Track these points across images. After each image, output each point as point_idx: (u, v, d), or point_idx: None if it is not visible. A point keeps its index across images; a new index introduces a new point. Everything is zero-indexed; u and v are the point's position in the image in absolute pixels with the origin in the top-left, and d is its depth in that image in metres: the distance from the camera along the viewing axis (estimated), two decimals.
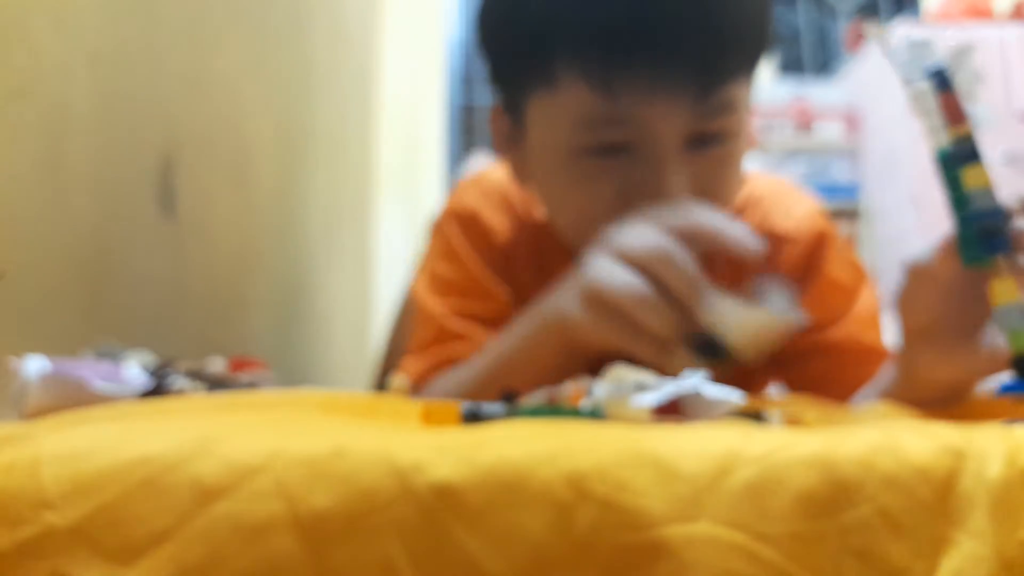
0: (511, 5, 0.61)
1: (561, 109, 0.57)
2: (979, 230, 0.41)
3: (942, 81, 0.43)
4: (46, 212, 0.56)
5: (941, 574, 0.25)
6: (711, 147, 0.58)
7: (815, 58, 3.59)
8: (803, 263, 0.69)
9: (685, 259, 0.48)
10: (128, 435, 0.30)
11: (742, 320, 0.48)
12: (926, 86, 0.43)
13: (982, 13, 2.87)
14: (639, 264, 0.48)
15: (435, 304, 0.72)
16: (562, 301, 0.53)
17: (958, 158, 0.42)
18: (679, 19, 0.55)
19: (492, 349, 0.60)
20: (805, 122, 2.85)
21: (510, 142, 0.66)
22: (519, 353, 0.57)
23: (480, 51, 0.66)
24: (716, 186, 0.59)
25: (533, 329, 0.56)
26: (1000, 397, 0.42)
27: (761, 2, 0.61)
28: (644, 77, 0.54)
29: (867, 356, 0.66)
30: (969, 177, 0.42)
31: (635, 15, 0.54)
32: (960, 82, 0.44)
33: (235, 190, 1.06)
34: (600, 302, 0.49)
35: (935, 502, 0.27)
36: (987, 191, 0.42)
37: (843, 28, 3.47)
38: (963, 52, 0.52)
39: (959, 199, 0.42)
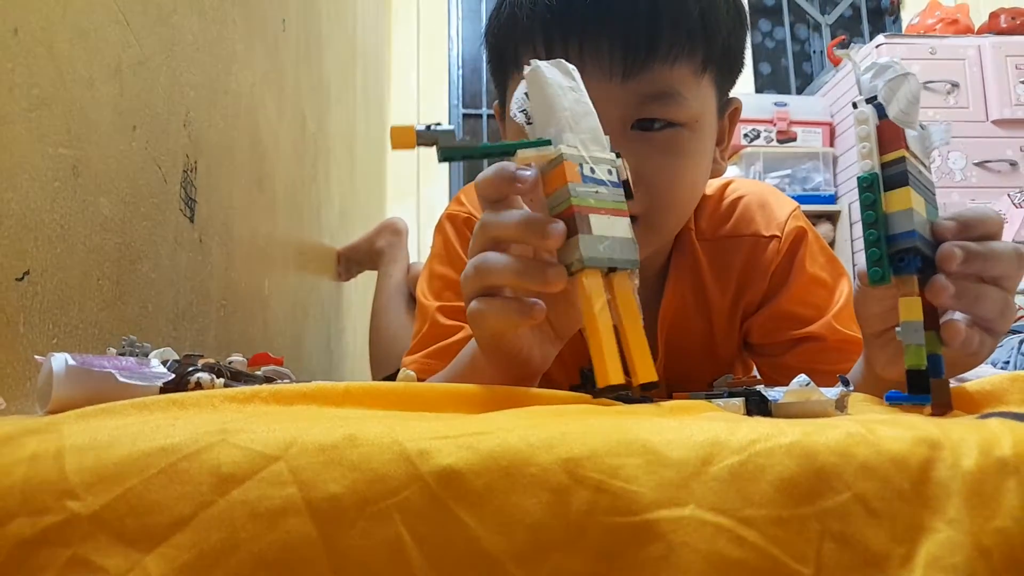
0: (495, 7, 0.65)
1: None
2: (893, 250, 0.41)
3: (880, 107, 0.42)
4: (69, 214, 0.56)
5: (919, 560, 0.25)
6: (654, 132, 0.60)
7: (799, 70, 3.59)
8: (785, 260, 0.70)
9: (493, 218, 0.44)
10: (148, 426, 0.30)
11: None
12: (869, 111, 0.42)
13: (960, 25, 2.87)
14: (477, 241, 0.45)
15: (431, 302, 0.72)
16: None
17: (884, 181, 0.41)
18: (609, 3, 0.58)
19: (451, 363, 0.59)
20: (788, 131, 2.86)
21: (502, 129, 0.69)
22: (466, 367, 0.55)
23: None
24: (658, 169, 0.60)
25: (473, 347, 0.54)
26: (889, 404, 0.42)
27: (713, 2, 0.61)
28: (576, 53, 0.57)
29: (845, 346, 0.67)
30: (891, 200, 0.41)
31: None
32: (895, 108, 0.42)
33: (254, 194, 1.06)
34: (464, 287, 0.46)
35: (912, 490, 0.26)
36: (906, 214, 0.40)
37: (827, 42, 3.47)
38: (901, 78, 0.50)
39: (875, 220, 0.41)
